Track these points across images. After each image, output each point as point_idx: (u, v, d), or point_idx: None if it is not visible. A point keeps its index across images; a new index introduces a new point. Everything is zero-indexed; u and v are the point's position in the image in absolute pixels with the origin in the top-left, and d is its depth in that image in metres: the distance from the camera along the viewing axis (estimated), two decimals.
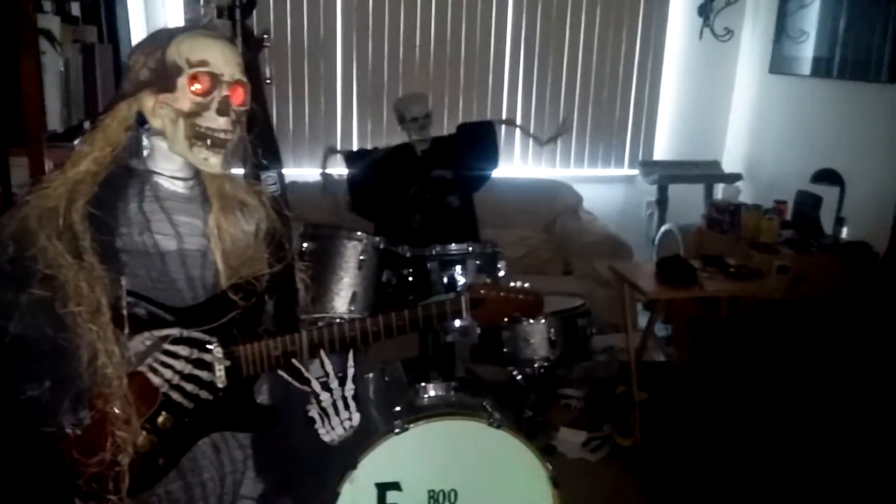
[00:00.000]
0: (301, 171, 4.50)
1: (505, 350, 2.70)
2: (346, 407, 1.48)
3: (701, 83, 4.99)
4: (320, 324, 1.52)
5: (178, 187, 1.33)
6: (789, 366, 2.71)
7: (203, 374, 1.30)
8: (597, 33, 4.80)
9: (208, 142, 1.25)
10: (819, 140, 4.21)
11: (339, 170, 3.52)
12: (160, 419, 1.30)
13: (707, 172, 4.74)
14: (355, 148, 4.26)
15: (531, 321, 2.63)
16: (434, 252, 2.44)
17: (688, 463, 2.74)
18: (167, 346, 1.25)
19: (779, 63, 4.59)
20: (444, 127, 4.61)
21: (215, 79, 1.25)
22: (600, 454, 3.24)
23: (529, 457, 2.23)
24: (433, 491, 2.20)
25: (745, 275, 3.25)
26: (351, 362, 1.49)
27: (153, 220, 1.28)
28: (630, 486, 3.00)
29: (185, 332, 1.28)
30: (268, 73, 2.19)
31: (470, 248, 2.46)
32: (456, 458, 2.20)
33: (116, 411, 1.20)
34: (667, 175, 4.69)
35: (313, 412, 1.47)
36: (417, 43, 4.59)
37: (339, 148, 3.67)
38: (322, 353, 1.45)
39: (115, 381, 1.18)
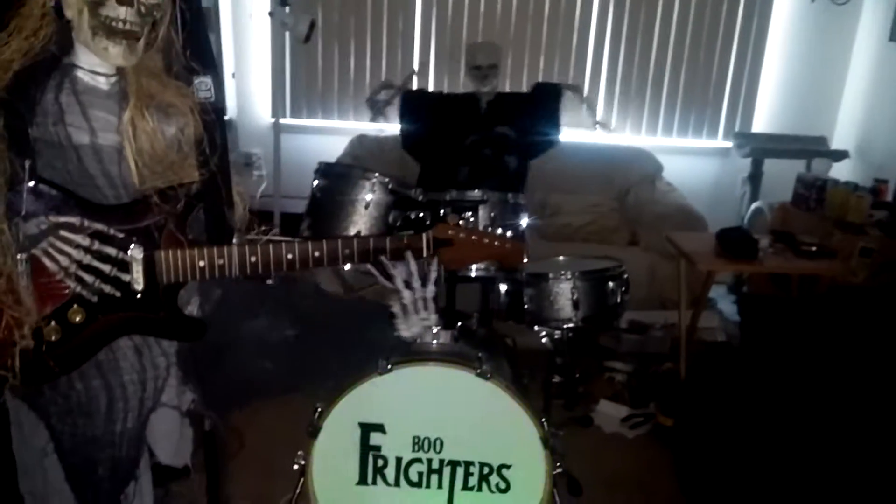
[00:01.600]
0: (378, 125, 4.50)
1: (526, 308, 2.61)
2: (426, 307, 1.61)
3: (812, 50, 4.55)
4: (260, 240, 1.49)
5: (99, 83, 1.33)
6: (845, 355, 2.44)
7: (106, 268, 1.30)
8: None
9: (109, 31, 1.24)
10: None
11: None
12: (70, 312, 1.32)
13: (807, 148, 4.32)
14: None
15: (562, 277, 2.54)
16: (448, 198, 2.36)
17: (722, 446, 2.54)
18: (63, 234, 1.26)
19: None
20: (524, 85, 4.49)
21: None
22: (639, 431, 3.07)
23: (521, 414, 2.11)
24: (418, 437, 2.13)
25: (815, 254, 2.96)
26: (434, 266, 1.59)
27: (67, 111, 1.29)
28: (662, 464, 2.82)
29: (89, 224, 1.28)
30: None
31: (485, 197, 2.35)
32: (443, 406, 2.12)
33: (9, 291, 1.23)
34: (761, 148, 4.33)
35: (396, 308, 1.62)
36: None
37: (393, 82, 3.61)
38: (408, 254, 1.53)
39: (4, 258, 1.21)
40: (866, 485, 2.03)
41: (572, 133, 4.27)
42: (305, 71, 4.60)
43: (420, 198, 2.37)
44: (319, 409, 2.14)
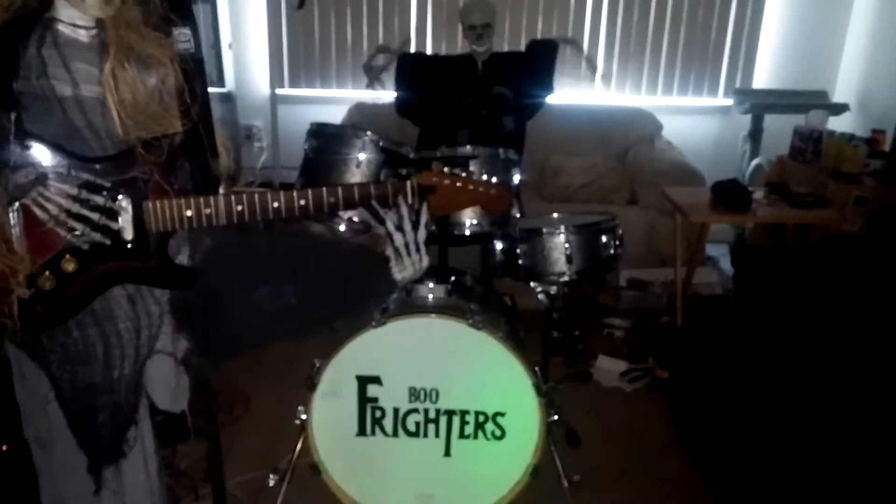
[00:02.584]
0: (375, 92, 4.50)
1: (521, 263, 2.64)
2: (418, 250, 1.64)
3: (812, 4, 4.51)
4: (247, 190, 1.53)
5: (80, 35, 1.36)
6: (838, 304, 2.45)
7: (94, 217, 1.34)
8: None
9: None
10: None
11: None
12: (63, 261, 1.36)
13: (808, 102, 4.30)
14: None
15: (555, 232, 2.57)
16: (440, 154, 2.39)
17: (716, 395, 2.58)
18: (52, 183, 1.30)
19: None
20: (522, 45, 4.49)
21: None
22: (637, 385, 3.13)
23: (514, 362, 2.16)
24: (414, 388, 2.19)
25: (808, 203, 2.97)
26: (425, 211, 1.62)
27: (50, 64, 1.32)
28: (659, 415, 2.89)
29: (74, 172, 1.32)
30: None
31: (476, 153, 2.38)
32: (437, 357, 2.17)
33: (2, 241, 1.28)
34: (760, 104, 4.32)
35: (388, 251, 1.64)
36: None
37: (391, 47, 3.62)
38: (400, 198, 1.58)
39: None
40: (855, 428, 2.06)
41: (571, 92, 4.29)
42: (303, 40, 4.61)
43: (411, 155, 2.40)
44: (318, 364, 2.20)
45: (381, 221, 1.61)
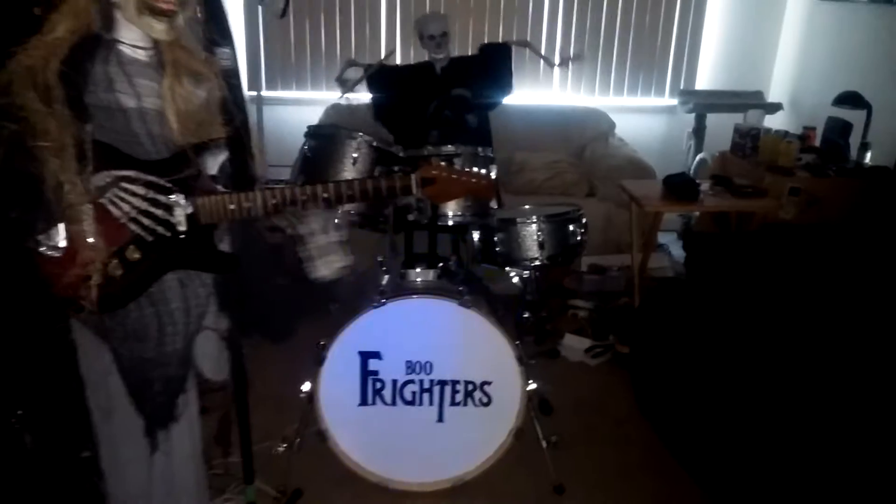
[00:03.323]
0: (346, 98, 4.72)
1: (497, 250, 2.92)
2: (334, 251, 1.77)
3: (748, 11, 4.92)
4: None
5: (139, 55, 1.58)
6: (776, 283, 2.77)
7: (159, 213, 1.57)
8: None
9: (153, 11, 1.49)
10: (866, 68, 4.11)
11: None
12: (128, 251, 1.59)
13: (745, 102, 4.70)
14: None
15: (528, 221, 2.85)
16: (426, 153, 2.64)
17: (672, 365, 2.89)
18: (125, 185, 1.53)
19: None
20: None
21: None
22: (601, 360, 3.43)
23: (498, 337, 2.42)
24: (410, 361, 2.43)
25: (749, 193, 3.32)
26: (340, 213, 1.77)
27: (116, 80, 1.52)
28: (621, 386, 3.19)
29: (143, 176, 1.55)
30: None
31: (459, 151, 2.64)
32: (431, 333, 2.42)
33: (81, 235, 1.50)
34: (703, 104, 4.70)
35: (304, 252, 1.76)
36: None
37: (359, 61, 3.85)
38: (317, 203, 1.71)
39: (77, 207, 1.47)
40: (792, 384, 2.37)
41: (532, 92, 4.58)
42: (280, 45, 4.82)
43: (401, 154, 2.66)
44: (323, 342, 2.44)
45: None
